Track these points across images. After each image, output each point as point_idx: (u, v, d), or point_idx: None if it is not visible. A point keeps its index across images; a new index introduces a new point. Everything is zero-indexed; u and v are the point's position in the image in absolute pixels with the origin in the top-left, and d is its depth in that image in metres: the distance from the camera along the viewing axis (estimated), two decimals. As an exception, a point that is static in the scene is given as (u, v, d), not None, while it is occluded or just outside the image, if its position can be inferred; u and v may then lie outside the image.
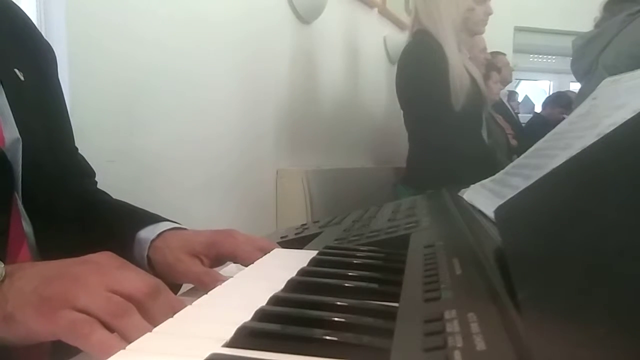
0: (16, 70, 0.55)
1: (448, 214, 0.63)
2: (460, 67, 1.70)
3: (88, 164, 0.74)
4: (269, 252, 0.58)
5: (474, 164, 1.51)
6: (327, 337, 0.29)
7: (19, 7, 0.63)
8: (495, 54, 3.21)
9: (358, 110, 2.29)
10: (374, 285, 0.41)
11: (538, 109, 4.66)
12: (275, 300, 0.36)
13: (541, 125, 3.28)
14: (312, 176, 1.65)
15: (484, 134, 2.01)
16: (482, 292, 0.31)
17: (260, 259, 0.55)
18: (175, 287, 0.59)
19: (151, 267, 0.60)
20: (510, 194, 0.41)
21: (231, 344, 0.30)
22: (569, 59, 1.96)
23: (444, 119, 1.67)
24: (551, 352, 0.20)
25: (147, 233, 0.60)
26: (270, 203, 1.65)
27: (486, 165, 1.50)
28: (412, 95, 1.76)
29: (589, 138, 0.47)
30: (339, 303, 0.35)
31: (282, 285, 0.41)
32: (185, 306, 0.38)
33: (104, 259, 0.41)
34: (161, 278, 0.56)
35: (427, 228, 0.57)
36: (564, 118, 0.82)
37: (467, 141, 1.72)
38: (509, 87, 3.79)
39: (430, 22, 1.74)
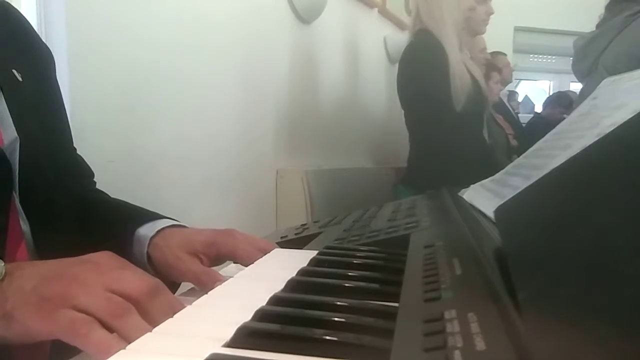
0: (14, 71, 0.55)
1: (448, 214, 0.63)
2: (461, 66, 1.70)
3: (87, 164, 0.74)
4: (269, 252, 0.59)
5: (474, 164, 1.51)
6: (327, 337, 0.29)
7: (17, 10, 0.64)
8: (495, 54, 3.21)
9: (358, 110, 2.29)
10: (374, 285, 0.41)
11: (538, 109, 4.67)
12: (275, 300, 0.36)
13: (541, 125, 3.28)
14: (312, 176, 1.65)
15: (485, 134, 2.01)
16: (482, 292, 0.31)
17: (260, 259, 0.55)
18: (173, 286, 0.59)
19: (151, 264, 0.60)
20: (510, 194, 0.41)
21: (231, 344, 0.30)
22: (569, 59, 1.97)
23: (445, 119, 1.66)
24: (551, 352, 0.20)
25: (147, 230, 0.60)
26: (270, 203, 1.65)
27: (487, 165, 1.50)
28: (413, 95, 1.76)
29: (589, 138, 0.47)
30: (339, 303, 0.35)
31: (282, 285, 0.41)
32: (184, 306, 0.38)
33: (104, 258, 0.41)
34: (160, 276, 0.57)
35: (427, 228, 0.57)
36: (564, 118, 0.82)
37: (468, 141, 1.72)
38: (509, 87, 3.79)
39: (432, 22, 1.74)
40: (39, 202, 0.54)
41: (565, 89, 4.60)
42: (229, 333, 0.31)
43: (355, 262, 0.48)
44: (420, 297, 0.33)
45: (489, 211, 0.52)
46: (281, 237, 0.72)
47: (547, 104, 4.06)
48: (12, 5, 0.63)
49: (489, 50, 2.98)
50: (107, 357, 0.29)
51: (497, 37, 3.08)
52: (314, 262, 0.48)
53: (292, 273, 0.43)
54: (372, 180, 2.07)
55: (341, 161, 2.05)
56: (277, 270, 0.48)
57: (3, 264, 0.39)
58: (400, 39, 2.55)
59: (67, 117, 0.66)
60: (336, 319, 0.32)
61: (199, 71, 1.30)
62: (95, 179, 0.76)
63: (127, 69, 1.09)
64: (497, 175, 0.70)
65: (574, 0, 4.19)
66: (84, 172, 0.74)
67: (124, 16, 1.08)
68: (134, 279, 0.38)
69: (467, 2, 1.78)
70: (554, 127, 0.64)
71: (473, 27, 1.88)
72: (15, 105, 0.53)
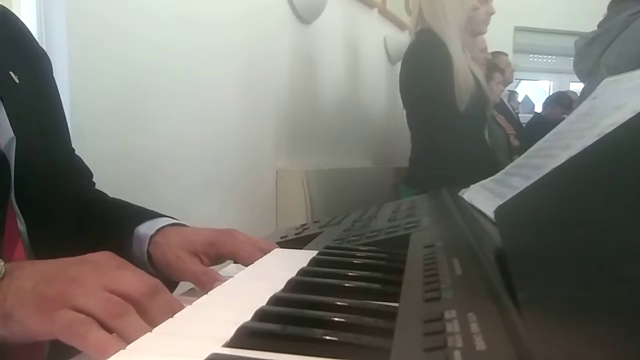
0: (11, 73, 0.56)
1: (448, 214, 0.63)
2: (464, 66, 1.70)
3: (85, 165, 0.75)
4: (275, 249, 0.59)
5: (477, 164, 1.51)
6: (327, 337, 0.29)
7: (13, 14, 0.64)
8: (496, 54, 3.21)
9: (358, 110, 2.29)
10: (374, 285, 0.41)
11: (538, 109, 4.66)
12: (275, 300, 0.36)
13: (541, 125, 3.28)
14: (312, 176, 1.65)
15: (486, 135, 2.01)
16: (482, 292, 0.31)
17: (260, 259, 0.55)
18: (172, 285, 0.60)
19: (151, 263, 0.60)
20: (510, 194, 0.41)
21: (231, 344, 0.30)
22: (569, 59, 1.97)
23: (448, 119, 1.66)
24: (551, 352, 0.20)
25: (146, 229, 0.61)
26: (270, 203, 1.65)
27: (488, 165, 1.50)
28: (417, 95, 1.75)
29: (589, 138, 0.47)
30: (339, 303, 0.35)
31: (282, 285, 0.41)
32: (184, 306, 0.38)
33: (103, 258, 0.41)
34: (160, 275, 0.57)
35: (427, 228, 0.57)
36: (564, 118, 0.82)
37: (471, 142, 1.71)
38: (509, 87, 3.79)
39: (435, 21, 1.73)
40: (35, 202, 0.54)
41: (565, 89, 4.60)
42: (229, 333, 0.31)
43: (355, 262, 0.48)
44: (420, 297, 0.33)
45: (489, 211, 0.52)
46: (281, 237, 0.72)
47: (547, 104, 4.06)
48: (10, 11, 0.64)
49: (490, 51, 2.98)
50: (105, 358, 0.29)
51: (497, 37, 3.08)
52: (314, 262, 0.48)
53: (292, 273, 0.43)
54: (372, 180, 2.07)
55: (341, 161, 2.05)
56: (277, 270, 0.48)
57: (3, 263, 0.39)
58: (400, 39, 2.55)
59: (65, 119, 0.66)
60: (336, 319, 0.32)
61: (198, 71, 1.30)
62: (94, 179, 0.76)
63: (127, 69, 1.09)
64: (497, 175, 0.70)
65: (574, 0, 4.19)
66: (82, 173, 0.74)
67: (123, 17, 1.08)
68: (133, 280, 0.38)
69: (470, 1, 1.77)
70: (554, 127, 0.64)
71: (474, 27, 1.88)
72: (12, 106, 0.54)
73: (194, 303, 0.39)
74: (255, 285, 0.45)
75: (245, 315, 0.33)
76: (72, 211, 0.62)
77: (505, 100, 3.62)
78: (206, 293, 0.42)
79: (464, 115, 1.67)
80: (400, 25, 2.67)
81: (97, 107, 1.03)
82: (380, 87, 2.53)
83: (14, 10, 0.72)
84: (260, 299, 0.36)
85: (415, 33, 1.81)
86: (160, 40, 1.17)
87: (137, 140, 1.13)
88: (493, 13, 1.93)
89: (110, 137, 1.06)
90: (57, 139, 0.63)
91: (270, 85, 1.63)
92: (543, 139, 0.64)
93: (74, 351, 0.35)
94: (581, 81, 1.96)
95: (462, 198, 0.71)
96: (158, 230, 0.60)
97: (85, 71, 1.00)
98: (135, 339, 0.32)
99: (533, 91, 5.51)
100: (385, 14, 2.54)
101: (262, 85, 1.58)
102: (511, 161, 1.01)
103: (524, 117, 4.02)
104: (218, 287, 0.45)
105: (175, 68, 1.22)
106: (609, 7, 1.78)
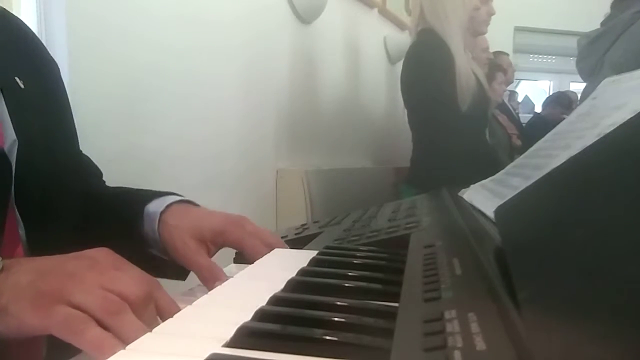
0: (16, 79, 0.56)
1: (448, 214, 0.63)
2: (466, 67, 1.70)
3: (94, 164, 0.75)
4: (275, 248, 0.59)
5: (478, 164, 1.51)
6: (327, 337, 0.29)
7: (17, 17, 0.64)
8: (497, 53, 3.21)
9: (358, 110, 2.29)
10: (374, 285, 0.41)
11: (538, 109, 4.66)
12: (275, 300, 0.36)
13: (541, 125, 3.28)
14: (312, 176, 1.65)
15: (486, 135, 2.01)
16: (482, 292, 0.31)
17: (260, 259, 0.55)
18: (182, 271, 0.60)
19: (162, 241, 0.60)
20: (510, 194, 0.41)
21: (231, 344, 0.30)
22: (569, 59, 1.97)
23: (449, 119, 1.66)
24: (551, 352, 0.20)
25: (155, 206, 0.60)
26: (270, 203, 1.65)
27: (490, 165, 1.50)
28: (418, 95, 1.74)
29: (589, 138, 0.47)
30: (339, 303, 0.35)
31: (282, 285, 0.41)
32: (180, 309, 0.38)
33: (101, 255, 0.41)
34: (169, 257, 0.57)
35: (427, 228, 0.57)
36: (564, 118, 0.82)
37: (472, 142, 1.71)
38: (509, 87, 3.79)
39: (437, 21, 1.72)
40: (35, 205, 0.54)
41: (565, 89, 4.60)
42: (229, 333, 0.31)
43: (355, 262, 0.48)
44: (420, 297, 0.33)
45: (489, 211, 0.52)
46: (281, 237, 0.72)
47: (547, 104, 4.06)
48: (11, 13, 0.63)
49: (490, 51, 2.97)
50: (101, 355, 0.29)
51: (497, 37, 3.08)
52: (314, 262, 0.48)
53: (292, 273, 0.43)
54: (372, 180, 2.07)
55: (341, 161, 2.05)
56: (277, 270, 0.48)
57: (1, 258, 0.39)
58: (400, 39, 2.55)
59: (73, 121, 0.67)
60: (336, 319, 0.32)
61: (199, 71, 1.30)
62: (103, 179, 0.77)
63: (127, 69, 1.09)
64: (497, 175, 0.70)
65: (574, 0, 4.19)
66: (91, 172, 0.74)
67: (123, 17, 1.08)
68: (130, 282, 0.38)
69: (471, 1, 1.77)
70: (554, 127, 0.64)
71: (475, 27, 1.87)
72: (16, 109, 0.54)
73: (194, 303, 0.39)
74: (255, 285, 0.45)
75: (245, 315, 0.33)
76: (76, 212, 0.62)
77: (506, 100, 3.62)
78: (206, 292, 0.42)
79: (465, 115, 1.67)
80: (400, 25, 2.67)
81: (97, 107, 1.03)
82: (380, 87, 2.53)
83: (14, 11, 0.72)
84: (260, 299, 0.36)
85: (416, 33, 1.81)
86: (160, 40, 1.17)
87: (137, 140, 1.13)
88: (493, 13, 1.93)
89: (111, 137, 1.06)
90: (63, 142, 0.63)
91: (271, 85, 1.63)
92: (543, 139, 0.64)
93: (72, 351, 0.35)
94: (583, 80, 1.96)
95: (462, 198, 0.71)
96: (167, 206, 0.60)
97: (85, 71, 1.00)
98: (131, 337, 0.32)
99: (533, 91, 5.51)
100: (385, 14, 2.54)
101: (262, 85, 1.58)
102: (511, 161, 1.01)
103: (524, 117, 4.02)
104: (218, 287, 0.45)
105: (175, 68, 1.22)
106: (612, 6, 1.78)
